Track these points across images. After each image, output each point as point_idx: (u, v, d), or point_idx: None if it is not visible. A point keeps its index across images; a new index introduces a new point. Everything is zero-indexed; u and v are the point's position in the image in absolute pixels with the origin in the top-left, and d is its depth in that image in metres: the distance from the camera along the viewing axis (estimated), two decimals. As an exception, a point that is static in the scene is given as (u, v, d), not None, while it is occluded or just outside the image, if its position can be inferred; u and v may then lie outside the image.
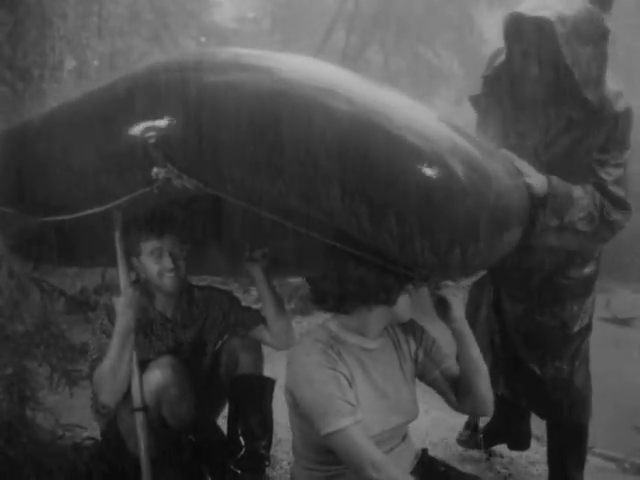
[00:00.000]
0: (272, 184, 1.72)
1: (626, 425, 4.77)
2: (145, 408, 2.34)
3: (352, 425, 1.82)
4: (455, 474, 2.08)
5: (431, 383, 2.10)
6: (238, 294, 2.84)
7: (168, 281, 2.45)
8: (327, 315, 2.05)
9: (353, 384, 1.92)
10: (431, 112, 1.95)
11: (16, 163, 2.22)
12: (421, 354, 2.09)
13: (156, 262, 2.43)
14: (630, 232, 2.59)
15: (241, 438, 2.48)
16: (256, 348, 2.61)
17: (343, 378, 1.88)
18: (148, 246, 2.42)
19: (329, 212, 1.72)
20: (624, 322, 7.94)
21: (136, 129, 1.82)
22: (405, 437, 2.09)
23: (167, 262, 2.43)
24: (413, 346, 2.10)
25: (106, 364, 2.34)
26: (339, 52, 10.64)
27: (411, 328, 2.11)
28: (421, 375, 2.10)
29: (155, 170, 1.78)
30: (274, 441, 2.61)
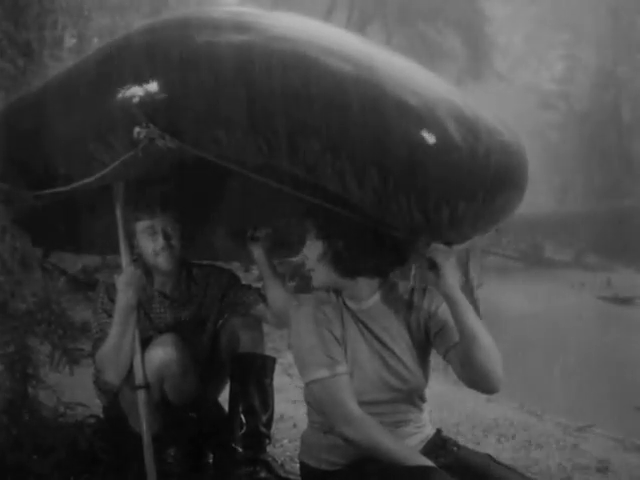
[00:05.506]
0: (254, 141, 1.68)
1: (627, 404, 4.81)
2: (147, 386, 2.35)
3: (329, 377, 1.85)
4: (469, 454, 2.03)
5: (445, 357, 2.01)
6: (239, 273, 2.84)
7: (162, 260, 2.45)
8: None
9: (345, 342, 1.95)
10: (420, 68, 1.91)
11: (13, 137, 2.20)
12: (434, 326, 2.01)
13: (150, 241, 2.43)
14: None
15: (242, 416, 2.48)
16: (257, 326, 2.60)
17: (329, 333, 1.92)
18: (141, 225, 2.43)
19: (312, 169, 1.69)
20: (625, 301, 7.96)
21: (121, 91, 1.78)
22: (419, 421, 2.05)
23: (160, 241, 2.43)
24: (425, 317, 2.03)
25: (109, 343, 2.34)
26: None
27: (429, 298, 2.05)
28: (437, 348, 2.03)
29: (137, 130, 1.76)
30: (274, 419, 2.61)
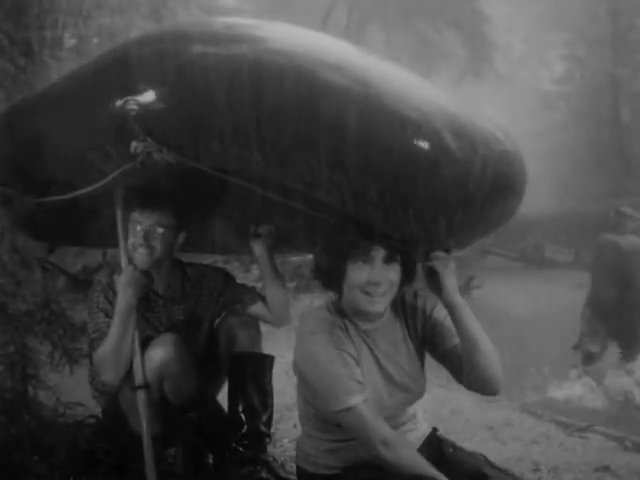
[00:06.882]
0: (250, 153, 1.68)
1: (627, 404, 4.81)
2: (147, 386, 2.35)
3: (361, 403, 1.83)
4: (463, 455, 2.04)
5: (441, 359, 2.04)
6: (239, 272, 2.85)
7: (137, 255, 2.43)
8: (330, 293, 2.04)
9: (360, 362, 1.93)
10: (417, 78, 1.90)
11: (12, 142, 2.21)
12: (430, 329, 2.03)
13: (132, 234, 2.43)
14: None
15: (242, 416, 2.48)
16: (254, 325, 2.60)
17: (349, 357, 1.89)
18: (132, 216, 2.42)
19: (309, 184, 1.69)
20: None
21: (119, 102, 1.79)
22: (414, 417, 2.08)
23: (139, 237, 2.41)
24: (422, 320, 2.04)
25: (108, 343, 2.34)
26: (340, 30, 10.57)
27: (422, 300, 2.06)
28: (431, 350, 2.05)
29: (134, 144, 1.76)
30: (274, 419, 2.61)
